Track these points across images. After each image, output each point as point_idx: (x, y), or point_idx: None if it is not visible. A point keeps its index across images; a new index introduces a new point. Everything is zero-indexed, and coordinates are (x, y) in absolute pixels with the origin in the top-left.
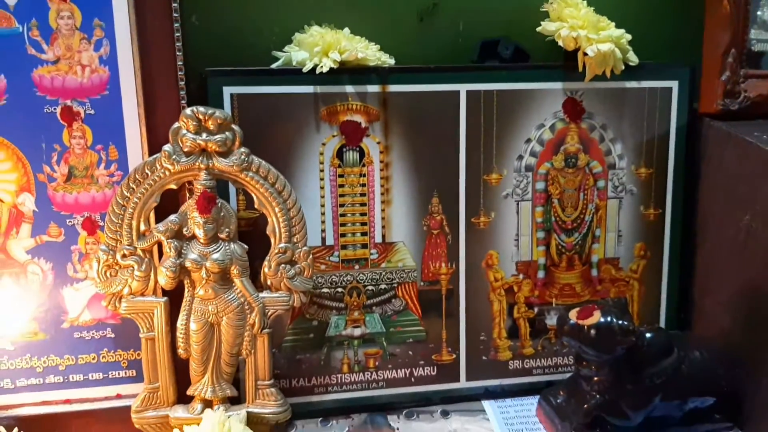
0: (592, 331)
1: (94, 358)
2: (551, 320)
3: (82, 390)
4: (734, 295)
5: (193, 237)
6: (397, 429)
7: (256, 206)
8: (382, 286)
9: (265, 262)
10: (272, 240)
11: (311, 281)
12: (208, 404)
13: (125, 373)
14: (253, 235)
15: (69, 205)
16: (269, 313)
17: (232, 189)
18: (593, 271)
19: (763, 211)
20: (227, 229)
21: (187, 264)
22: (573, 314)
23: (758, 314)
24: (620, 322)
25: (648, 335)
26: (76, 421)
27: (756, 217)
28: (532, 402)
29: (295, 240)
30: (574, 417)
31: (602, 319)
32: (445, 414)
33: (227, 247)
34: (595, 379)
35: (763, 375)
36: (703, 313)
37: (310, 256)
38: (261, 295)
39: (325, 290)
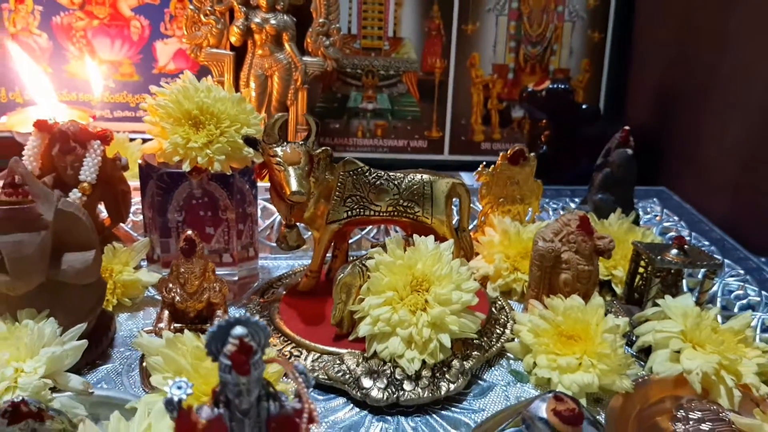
0: (543, 93)
1: None
2: (516, 113)
3: None
4: (655, 96)
5: (257, 6)
6: None
7: None
8: (391, 72)
9: (308, 32)
10: (314, 16)
11: (340, 52)
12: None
13: None
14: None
15: None
16: (309, 72)
17: None
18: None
19: (676, 26)
20: (282, 2)
21: (252, 26)
22: (530, 85)
23: (671, 111)
24: (564, 86)
25: (583, 106)
26: None
27: (669, 32)
28: None
29: (331, 18)
30: None
31: (551, 85)
32: None
33: (282, 17)
34: (545, 132)
35: (666, 145)
36: (631, 115)
37: (341, 32)
38: (304, 58)
39: (348, 70)
